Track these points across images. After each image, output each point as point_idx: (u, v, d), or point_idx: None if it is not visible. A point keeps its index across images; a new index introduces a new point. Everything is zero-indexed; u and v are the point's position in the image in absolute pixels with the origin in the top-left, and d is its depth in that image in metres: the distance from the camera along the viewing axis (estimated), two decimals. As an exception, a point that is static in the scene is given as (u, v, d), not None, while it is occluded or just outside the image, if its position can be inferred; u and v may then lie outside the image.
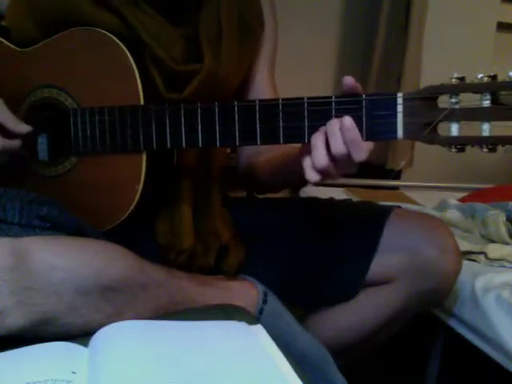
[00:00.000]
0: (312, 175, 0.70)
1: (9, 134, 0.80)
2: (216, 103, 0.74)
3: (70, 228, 0.67)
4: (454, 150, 0.66)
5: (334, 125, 0.68)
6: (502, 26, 2.18)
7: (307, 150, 0.71)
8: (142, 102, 0.78)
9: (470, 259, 1.11)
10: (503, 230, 1.18)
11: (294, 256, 0.90)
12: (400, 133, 0.67)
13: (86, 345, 0.56)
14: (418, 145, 2.26)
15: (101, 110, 0.79)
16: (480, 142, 0.64)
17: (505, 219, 1.20)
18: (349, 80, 0.69)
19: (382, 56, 2.03)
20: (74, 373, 0.50)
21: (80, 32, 0.81)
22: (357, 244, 0.86)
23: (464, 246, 1.11)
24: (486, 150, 0.64)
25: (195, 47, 0.84)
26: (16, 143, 0.80)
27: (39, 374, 0.49)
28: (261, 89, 0.98)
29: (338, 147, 0.67)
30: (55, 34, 0.83)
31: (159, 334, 0.59)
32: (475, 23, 2.13)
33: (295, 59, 1.89)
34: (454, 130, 0.65)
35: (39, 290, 0.58)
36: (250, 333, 0.60)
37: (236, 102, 0.73)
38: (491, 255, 1.11)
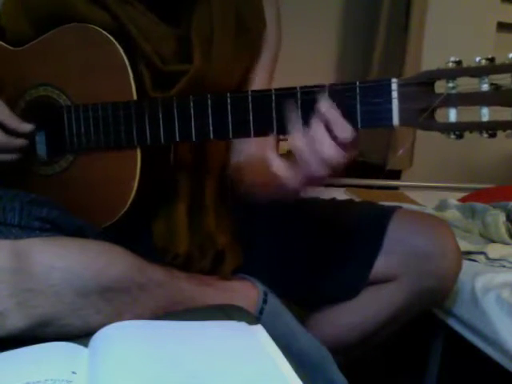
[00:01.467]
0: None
1: (12, 134, 0.80)
2: (208, 95, 0.73)
3: (69, 229, 0.67)
4: (452, 136, 0.64)
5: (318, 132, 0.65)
6: (502, 26, 2.18)
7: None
8: (135, 98, 0.78)
9: (469, 259, 1.11)
10: (503, 230, 1.19)
11: (296, 255, 0.90)
12: (396, 120, 0.65)
13: (86, 345, 0.56)
14: (418, 145, 2.27)
15: (94, 107, 0.79)
16: (479, 127, 0.62)
17: (505, 219, 1.20)
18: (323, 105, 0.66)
19: (382, 56, 2.03)
20: (74, 373, 0.50)
21: (73, 29, 0.81)
22: (360, 244, 0.86)
23: (464, 246, 1.11)
24: (485, 135, 0.62)
25: (187, 47, 0.83)
26: (21, 142, 0.81)
27: (39, 374, 0.49)
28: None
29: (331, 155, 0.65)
30: (48, 28, 0.83)
31: (159, 334, 0.59)
32: (475, 23, 2.13)
33: (295, 59, 1.89)
34: (452, 115, 0.63)
35: (39, 292, 0.58)
36: (250, 333, 0.60)
37: (229, 94, 0.72)
38: (491, 255, 1.11)
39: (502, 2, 2.17)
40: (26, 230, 0.63)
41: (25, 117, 0.84)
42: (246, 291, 0.78)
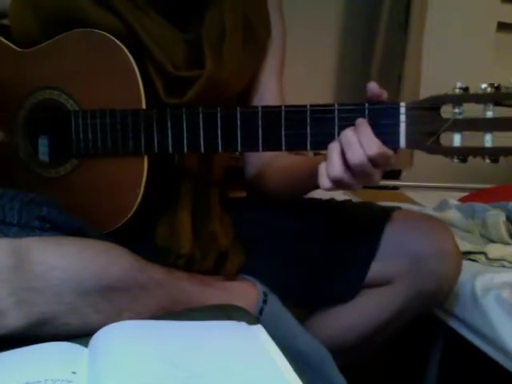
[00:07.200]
0: (325, 182, 0.69)
1: None
2: (218, 109, 0.74)
3: (69, 228, 0.67)
4: (456, 160, 0.66)
5: (349, 135, 0.67)
6: (502, 26, 2.18)
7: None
8: (143, 106, 0.78)
9: (469, 259, 1.11)
10: (503, 230, 1.18)
11: (295, 256, 0.90)
12: (403, 142, 0.67)
13: (86, 345, 0.57)
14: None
15: (102, 113, 0.79)
16: (482, 153, 0.64)
17: (505, 219, 1.20)
18: (373, 86, 0.68)
19: (382, 56, 2.03)
20: (74, 373, 0.50)
21: (82, 33, 0.81)
22: (357, 245, 0.86)
23: (464, 246, 1.11)
24: (488, 160, 0.65)
25: (197, 52, 0.84)
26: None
27: (39, 374, 0.49)
28: (267, 96, 0.96)
29: (356, 158, 0.66)
30: (57, 34, 0.83)
31: (159, 333, 0.59)
32: (475, 23, 2.13)
33: (295, 59, 1.89)
34: (457, 140, 0.65)
35: (39, 291, 0.58)
36: (250, 333, 0.60)
37: (239, 108, 0.73)
38: (491, 255, 1.11)
39: (502, 2, 2.17)
40: (25, 229, 0.63)
41: (29, 118, 0.84)
42: (246, 291, 0.78)
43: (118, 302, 0.63)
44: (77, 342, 0.57)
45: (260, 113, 0.72)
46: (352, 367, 0.78)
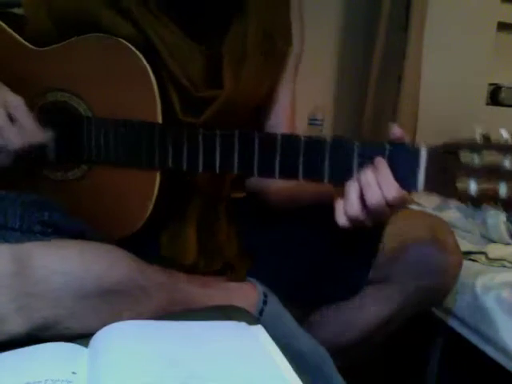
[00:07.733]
0: (342, 220, 0.70)
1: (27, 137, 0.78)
2: (236, 132, 0.73)
3: (72, 231, 0.66)
4: (470, 205, 0.67)
5: (368, 176, 0.68)
6: (502, 26, 2.17)
7: (342, 192, 0.70)
8: (159, 119, 0.77)
9: (470, 259, 1.11)
10: (503, 230, 1.19)
11: (298, 255, 0.90)
12: (420, 185, 0.68)
13: (86, 345, 0.57)
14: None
15: (117, 122, 0.77)
16: (496, 201, 0.65)
17: (505, 219, 1.21)
18: (397, 130, 0.69)
19: (382, 56, 2.02)
20: (74, 373, 0.50)
21: (98, 38, 0.79)
22: (358, 244, 0.86)
23: (464, 246, 1.11)
24: (501, 210, 0.66)
25: (215, 67, 0.82)
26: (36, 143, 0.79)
27: (39, 374, 0.49)
28: (281, 109, 0.95)
29: (374, 200, 0.67)
30: (71, 34, 0.81)
31: (159, 334, 0.59)
32: (475, 23, 2.13)
33: (295, 59, 1.89)
34: (473, 186, 0.65)
35: (40, 296, 0.58)
36: (250, 333, 0.61)
37: (256, 133, 0.72)
38: (491, 255, 1.11)
39: (501, 2, 2.16)
40: (27, 234, 0.62)
41: (39, 119, 0.81)
42: (247, 292, 0.78)
43: (118, 305, 0.62)
44: (77, 343, 0.57)
45: (279, 140, 0.71)
46: (351, 368, 0.78)
